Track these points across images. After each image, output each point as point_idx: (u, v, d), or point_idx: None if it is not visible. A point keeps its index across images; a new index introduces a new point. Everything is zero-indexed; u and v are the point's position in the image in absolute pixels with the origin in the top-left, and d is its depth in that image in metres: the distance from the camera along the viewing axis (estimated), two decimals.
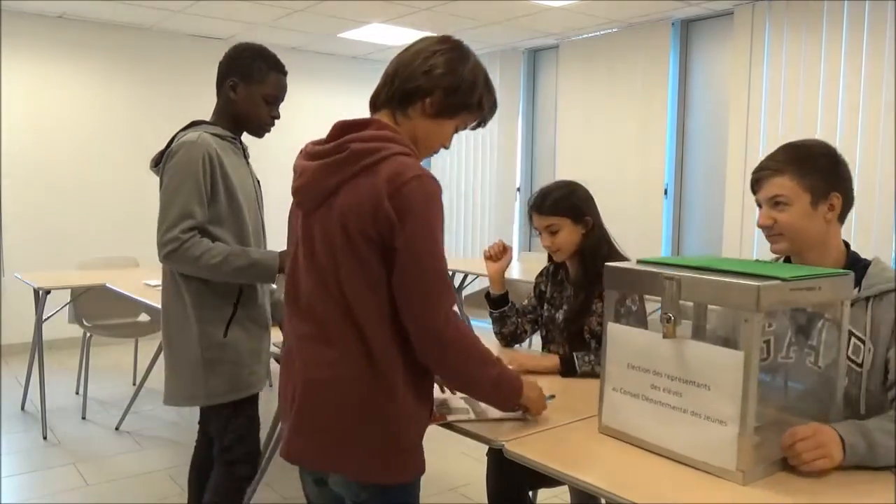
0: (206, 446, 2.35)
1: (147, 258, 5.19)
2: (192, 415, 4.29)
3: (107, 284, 3.92)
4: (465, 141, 7.15)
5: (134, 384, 4.69)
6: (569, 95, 6.24)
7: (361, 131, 1.44)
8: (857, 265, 1.59)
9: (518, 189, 6.88)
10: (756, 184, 1.68)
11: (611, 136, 5.89)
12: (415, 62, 1.49)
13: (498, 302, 2.40)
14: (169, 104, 6.20)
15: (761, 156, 5.41)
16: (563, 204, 2.21)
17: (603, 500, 2.06)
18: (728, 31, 5.11)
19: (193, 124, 2.20)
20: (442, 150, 1.56)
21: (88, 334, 4.31)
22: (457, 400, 1.81)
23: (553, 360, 2.12)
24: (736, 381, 1.31)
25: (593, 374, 2.05)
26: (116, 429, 4.00)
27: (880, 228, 4.25)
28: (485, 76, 1.55)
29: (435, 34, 1.56)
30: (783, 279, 1.33)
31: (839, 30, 4.48)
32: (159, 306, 3.39)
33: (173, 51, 6.19)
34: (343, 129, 1.47)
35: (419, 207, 1.37)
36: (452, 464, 3.48)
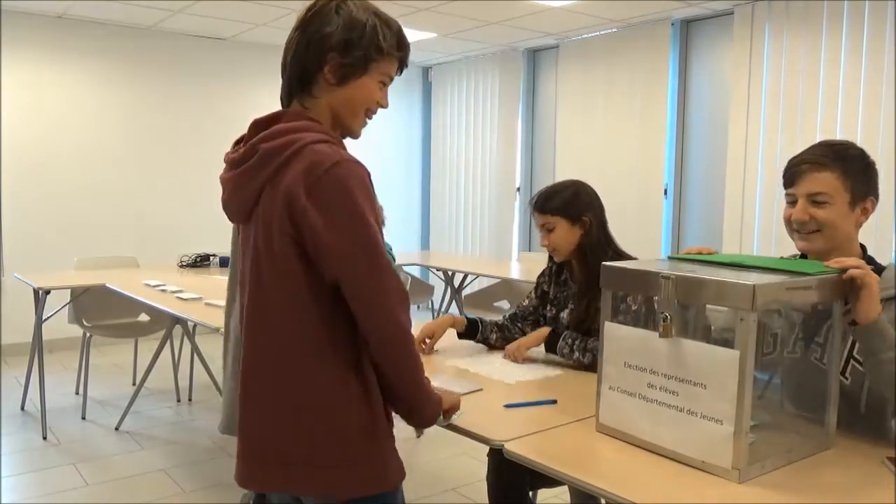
0: None
1: (147, 258, 5.22)
2: (192, 414, 4.32)
3: (107, 284, 3.92)
4: (466, 140, 7.15)
5: (134, 384, 4.70)
6: (568, 95, 6.25)
7: (270, 127, 1.35)
8: (872, 268, 1.59)
9: (518, 189, 6.88)
10: (794, 177, 1.63)
11: (611, 136, 5.89)
12: (292, 44, 1.39)
13: (469, 333, 2.39)
14: (169, 104, 6.21)
15: (761, 156, 5.38)
16: (558, 203, 2.21)
17: (602, 500, 2.07)
18: (728, 31, 5.11)
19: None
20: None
21: (88, 334, 4.32)
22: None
23: (543, 332, 2.21)
24: (731, 380, 1.31)
25: (575, 361, 2.12)
26: (116, 429, 4.01)
27: (880, 228, 4.25)
28: (373, 12, 1.38)
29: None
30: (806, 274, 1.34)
31: (839, 29, 4.48)
32: (159, 306, 3.44)
33: (173, 51, 6.20)
34: (254, 129, 1.39)
35: (342, 199, 1.26)
36: (452, 464, 3.48)
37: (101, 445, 3.78)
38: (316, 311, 1.31)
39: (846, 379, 1.59)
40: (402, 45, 1.41)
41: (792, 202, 1.64)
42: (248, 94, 6.52)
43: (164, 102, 6.20)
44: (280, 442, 1.35)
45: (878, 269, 1.63)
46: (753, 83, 4.92)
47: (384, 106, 1.43)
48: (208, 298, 3.47)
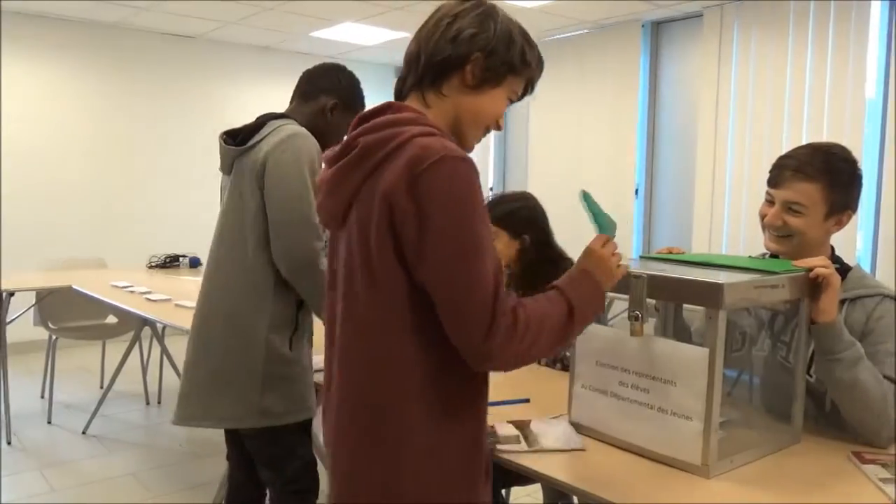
0: (247, 483, 2.16)
1: (114, 259, 5.14)
2: (161, 417, 4.26)
3: (73, 286, 3.85)
4: None
5: (101, 387, 4.62)
6: (540, 96, 6.26)
7: (375, 119, 1.23)
8: (839, 269, 1.60)
9: (491, 189, 6.90)
10: (778, 181, 1.63)
11: (582, 137, 5.93)
12: (437, 32, 1.26)
13: None
14: (135, 103, 6.11)
15: (729, 156, 5.44)
16: (499, 213, 2.21)
17: (574, 497, 2.08)
18: (698, 33, 5.17)
19: (272, 117, 2.02)
20: None
21: (54, 337, 4.23)
22: (505, 426, 1.60)
23: None
24: (701, 378, 1.33)
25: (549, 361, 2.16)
26: (83, 433, 3.94)
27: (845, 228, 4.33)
28: (519, 27, 1.30)
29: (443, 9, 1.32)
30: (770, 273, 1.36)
31: (805, 30, 4.56)
32: (127, 307, 3.38)
33: (141, 49, 6.10)
34: (357, 122, 1.27)
35: (445, 198, 1.12)
36: None
37: (68, 450, 3.71)
38: (417, 326, 1.18)
39: (811, 376, 1.61)
40: (540, 65, 1.33)
41: (770, 202, 1.66)
42: (217, 93, 6.44)
43: (131, 101, 6.10)
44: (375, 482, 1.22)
45: (845, 270, 1.66)
46: (722, 84, 4.99)
47: (499, 128, 1.33)
48: (178, 300, 3.42)
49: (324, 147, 1.97)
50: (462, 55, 1.24)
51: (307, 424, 2.02)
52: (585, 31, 5.81)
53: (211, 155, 7.65)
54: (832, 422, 1.62)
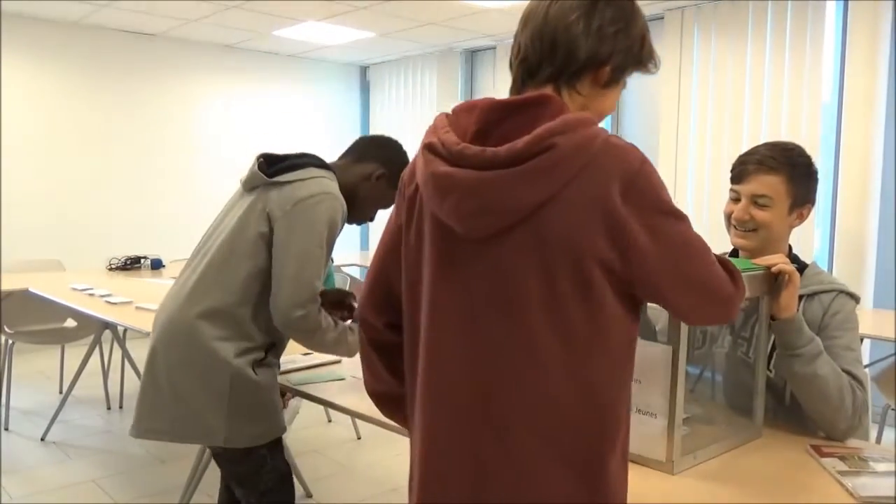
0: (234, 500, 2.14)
1: (73, 260, 5.03)
2: (123, 422, 4.18)
3: (30, 288, 3.76)
4: (404, 139, 7.12)
5: (60, 392, 4.51)
6: (506, 95, 6.29)
7: (554, 118, 1.03)
8: (795, 266, 1.65)
9: None
10: (742, 176, 1.67)
11: None
12: (578, 23, 1.10)
13: None
14: (95, 101, 5.99)
15: (691, 157, 5.51)
16: None
17: None
18: (659, 36, 5.24)
19: (316, 163, 2.00)
20: None
21: (10, 341, 4.13)
22: None
23: None
24: (664, 375, 1.35)
25: None
26: (42, 439, 3.84)
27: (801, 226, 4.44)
28: (643, 17, 1.18)
29: None
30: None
31: (763, 34, 4.66)
32: (87, 310, 3.31)
33: (101, 47, 5.98)
34: (517, 112, 1.07)
35: (657, 198, 1.05)
36: (393, 463, 3.47)
37: (26, 457, 3.62)
38: (632, 342, 1.10)
39: (770, 372, 1.65)
40: (657, 64, 1.21)
41: (735, 199, 1.70)
42: (179, 92, 6.34)
43: (91, 99, 5.97)
44: None
45: (802, 267, 1.70)
46: (683, 85, 5.07)
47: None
48: (139, 302, 3.36)
49: (351, 211, 2.00)
50: (605, 56, 1.11)
51: (276, 442, 2.00)
52: None
53: (172, 154, 7.53)
54: (791, 415, 1.66)
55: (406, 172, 1.22)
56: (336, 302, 2.10)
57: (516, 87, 1.16)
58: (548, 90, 1.11)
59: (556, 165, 1.01)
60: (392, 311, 1.25)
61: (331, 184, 1.95)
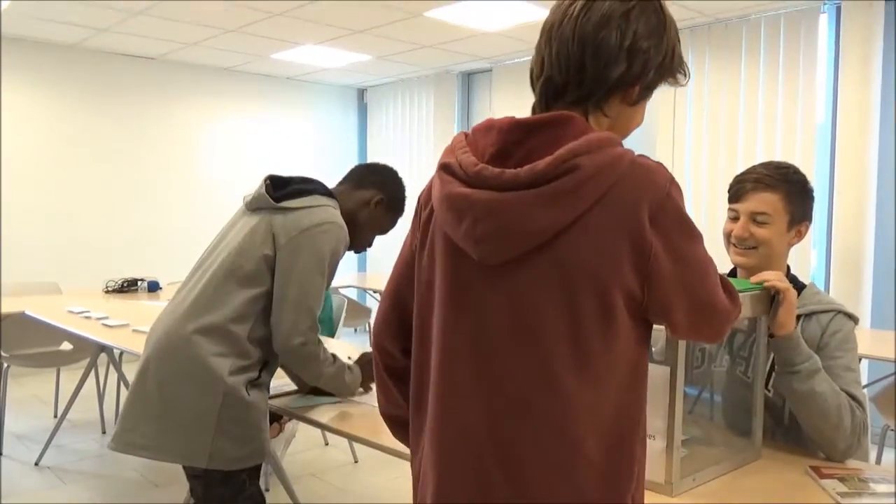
0: None
1: (70, 283, 5.01)
2: None
3: (26, 312, 3.74)
4: (401, 161, 7.17)
5: (55, 416, 4.48)
6: (503, 116, 6.33)
7: (577, 138, 0.98)
8: (794, 286, 1.64)
9: None
10: (740, 194, 1.68)
11: None
12: (609, 40, 1.02)
13: None
14: (93, 124, 6.01)
15: (687, 177, 5.50)
16: None
17: None
18: None
19: (322, 191, 2.02)
20: None
21: (6, 365, 4.10)
22: None
23: None
24: (662, 396, 1.34)
25: None
26: (36, 464, 3.80)
27: (798, 246, 4.45)
28: (675, 25, 1.11)
29: None
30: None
31: (757, 52, 4.70)
32: (84, 333, 3.29)
33: (100, 70, 6.01)
34: (539, 132, 1.02)
35: (682, 220, 1.01)
36: (391, 487, 3.44)
37: (20, 482, 3.58)
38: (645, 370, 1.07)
39: (769, 391, 1.65)
40: (687, 73, 1.14)
41: (734, 217, 1.71)
42: (178, 114, 6.37)
43: (89, 122, 5.99)
44: None
45: (800, 287, 1.71)
46: (679, 106, 5.11)
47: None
48: (136, 325, 3.34)
49: (350, 237, 2.02)
50: (636, 75, 1.05)
51: (254, 469, 1.98)
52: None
53: (170, 177, 7.53)
54: (790, 435, 1.65)
55: (422, 194, 1.18)
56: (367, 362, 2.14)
57: (541, 107, 1.09)
58: (572, 110, 1.05)
59: (579, 187, 0.95)
60: (408, 337, 1.21)
61: (335, 212, 1.98)
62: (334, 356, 2.01)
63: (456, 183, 1.04)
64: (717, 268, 1.12)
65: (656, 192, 0.98)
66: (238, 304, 1.89)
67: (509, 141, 1.03)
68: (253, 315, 1.90)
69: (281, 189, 1.99)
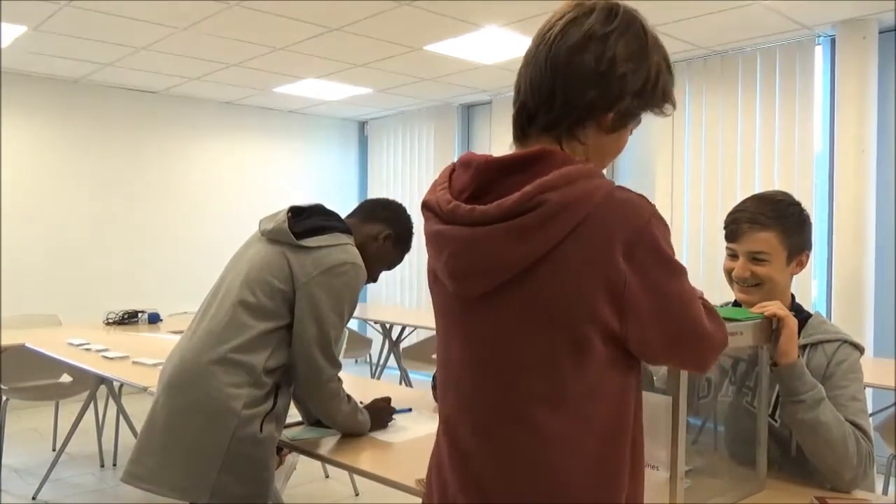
0: None
1: (70, 315, 5.00)
2: (116, 480, 4.09)
3: (26, 344, 3.73)
4: (402, 193, 7.20)
5: (53, 449, 4.43)
6: (503, 149, 6.33)
7: (547, 173, 0.97)
8: (799, 316, 1.65)
9: None
10: (736, 235, 1.68)
11: None
12: (582, 63, 1.00)
13: None
14: (96, 158, 6.05)
15: (685, 208, 5.51)
16: None
17: None
18: None
19: (340, 228, 2.03)
20: None
21: (4, 398, 4.08)
22: None
23: None
24: (665, 426, 1.34)
25: None
26: (34, 498, 3.75)
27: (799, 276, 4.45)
28: (664, 52, 1.08)
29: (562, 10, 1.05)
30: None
31: (753, 84, 4.75)
32: (83, 365, 3.28)
33: (101, 104, 6.08)
34: (517, 170, 1.01)
35: (660, 254, 0.99)
36: None
37: None
38: (628, 398, 1.04)
39: (775, 421, 1.64)
40: (674, 104, 1.12)
41: (732, 255, 1.71)
42: (180, 148, 6.42)
43: (92, 155, 6.04)
44: None
45: (805, 317, 1.70)
46: (677, 138, 5.15)
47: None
48: (136, 357, 3.33)
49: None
50: (611, 101, 1.02)
51: None
52: None
53: (172, 209, 7.57)
54: (797, 466, 1.63)
55: None
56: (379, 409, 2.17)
57: (516, 135, 1.09)
58: (547, 141, 1.04)
59: (545, 222, 0.95)
60: None
61: (355, 251, 2.00)
62: (348, 395, 2.02)
63: (434, 220, 1.06)
64: (711, 301, 1.12)
65: (631, 225, 0.96)
66: (254, 336, 1.89)
67: (484, 180, 1.03)
68: (269, 346, 1.91)
69: (300, 217, 2.01)
